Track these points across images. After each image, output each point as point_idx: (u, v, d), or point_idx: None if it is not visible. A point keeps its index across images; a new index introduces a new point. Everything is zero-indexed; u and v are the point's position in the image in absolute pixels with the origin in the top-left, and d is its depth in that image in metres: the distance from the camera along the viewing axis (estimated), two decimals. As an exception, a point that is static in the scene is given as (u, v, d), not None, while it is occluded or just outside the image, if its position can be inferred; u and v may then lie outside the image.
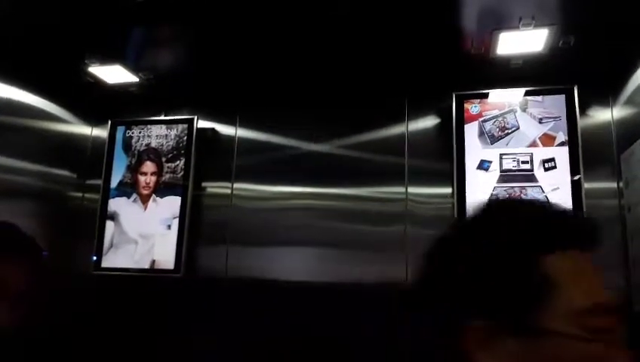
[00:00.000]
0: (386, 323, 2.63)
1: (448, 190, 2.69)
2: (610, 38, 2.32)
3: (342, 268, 2.76)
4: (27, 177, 2.92)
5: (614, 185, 2.53)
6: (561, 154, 2.57)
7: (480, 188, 2.63)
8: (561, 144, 2.58)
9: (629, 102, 2.42)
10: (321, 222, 2.85)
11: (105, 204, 3.11)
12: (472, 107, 2.74)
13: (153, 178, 3.08)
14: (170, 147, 3.10)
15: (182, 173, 3.03)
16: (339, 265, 2.77)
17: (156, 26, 2.39)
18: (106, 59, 2.65)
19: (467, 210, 2.62)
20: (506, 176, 2.63)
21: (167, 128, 3.13)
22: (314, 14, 2.23)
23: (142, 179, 3.09)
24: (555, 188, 2.54)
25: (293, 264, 2.84)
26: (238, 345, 2.82)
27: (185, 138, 3.07)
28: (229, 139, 3.10)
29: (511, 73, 2.60)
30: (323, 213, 2.86)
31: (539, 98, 2.67)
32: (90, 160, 3.30)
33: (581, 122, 2.56)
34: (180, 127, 3.10)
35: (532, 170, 2.60)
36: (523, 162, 2.62)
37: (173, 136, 3.10)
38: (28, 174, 2.93)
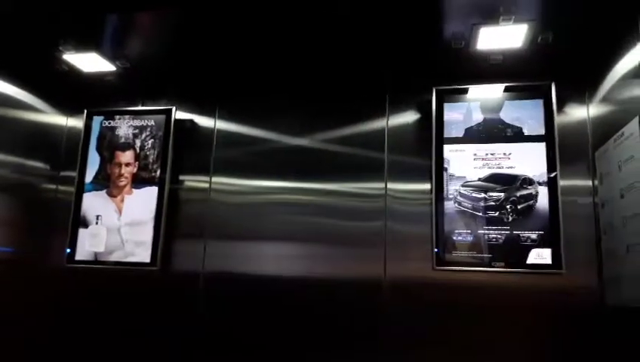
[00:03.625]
0: (364, 316, 2.64)
1: (427, 186, 2.70)
2: (588, 36, 2.35)
3: (320, 263, 2.74)
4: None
5: (589, 182, 2.56)
6: (538, 151, 2.60)
7: (458, 184, 2.65)
8: (539, 140, 2.61)
9: (605, 99, 2.45)
10: (300, 217, 2.82)
11: (80, 195, 3.04)
12: (452, 102, 2.74)
13: (129, 169, 3.02)
14: (147, 138, 3.04)
15: (159, 164, 2.98)
16: (317, 260, 2.75)
17: (133, 12, 2.33)
18: (82, 46, 2.59)
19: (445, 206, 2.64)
20: (484, 172, 2.65)
21: (144, 119, 3.07)
22: (297, 7, 2.21)
23: (117, 170, 3.03)
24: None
25: (269, 258, 2.81)
26: (214, 337, 2.79)
27: (162, 129, 3.02)
28: (208, 131, 3.05)
29: (490, 69, 2.62)
30: (302, 208, 2.83)
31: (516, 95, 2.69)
32: (65, 151, 3.22)
33: (558, 119, 2.59)
34: (158, 117, 3.04)
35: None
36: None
37: (150, 127, 3.05)
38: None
